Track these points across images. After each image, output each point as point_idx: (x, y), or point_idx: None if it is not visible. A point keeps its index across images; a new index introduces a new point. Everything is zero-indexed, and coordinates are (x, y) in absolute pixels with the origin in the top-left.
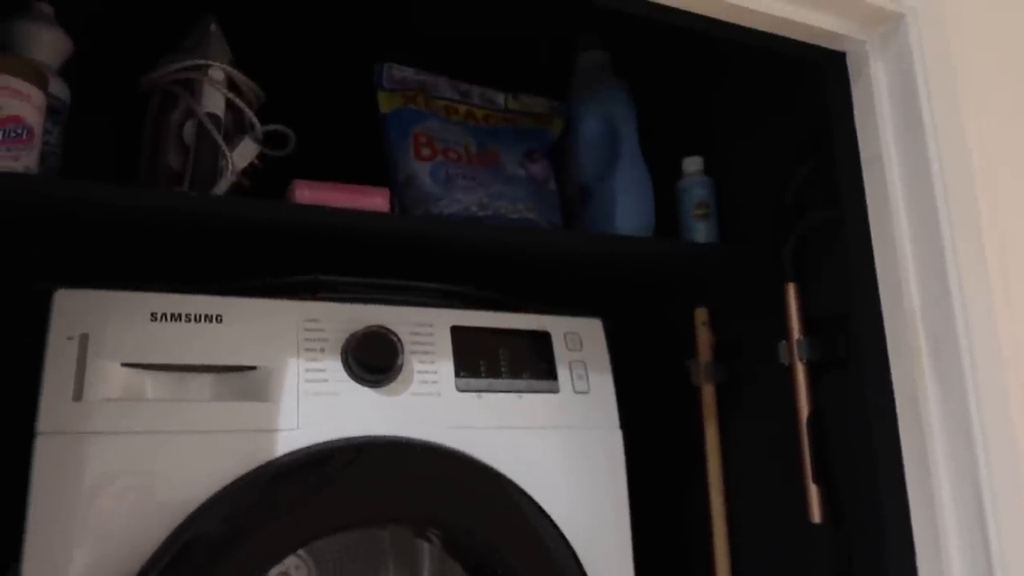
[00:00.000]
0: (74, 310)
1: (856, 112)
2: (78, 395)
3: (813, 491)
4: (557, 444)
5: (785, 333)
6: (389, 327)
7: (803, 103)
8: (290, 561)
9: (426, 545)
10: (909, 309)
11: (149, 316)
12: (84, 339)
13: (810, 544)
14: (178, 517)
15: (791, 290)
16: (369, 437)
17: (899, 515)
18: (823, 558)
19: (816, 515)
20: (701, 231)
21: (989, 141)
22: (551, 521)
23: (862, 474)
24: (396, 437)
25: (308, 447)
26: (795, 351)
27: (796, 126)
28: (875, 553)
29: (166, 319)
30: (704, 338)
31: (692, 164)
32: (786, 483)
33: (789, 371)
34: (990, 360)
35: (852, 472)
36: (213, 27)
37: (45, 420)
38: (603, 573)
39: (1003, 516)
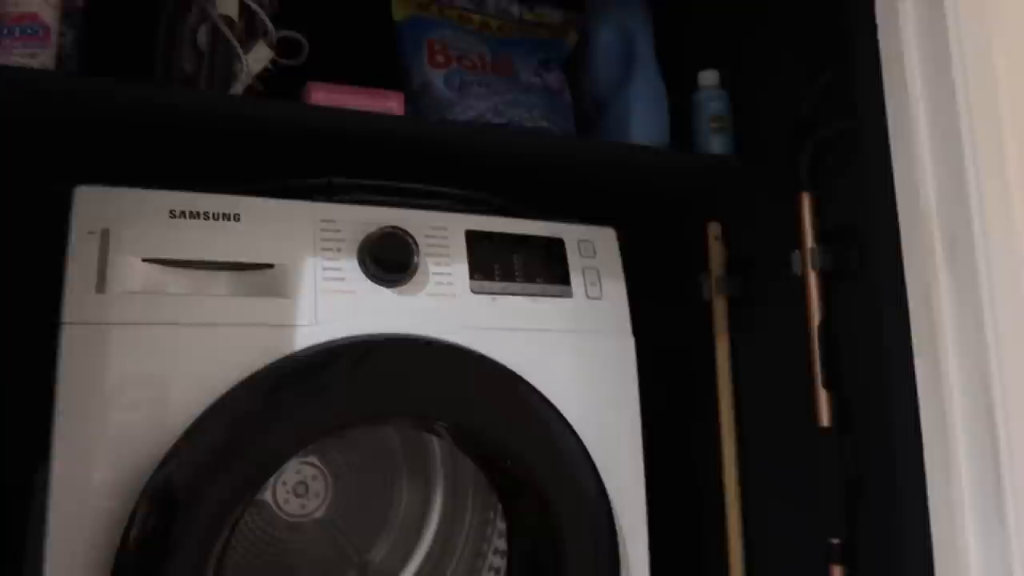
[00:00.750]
0: (94, 207)
1: (877, 9)
2: (101, 288)
3: (822, 396)
4: (569, 347)
5: (798, 243)
6: (405, 229)
7: (821, 16)
8: (307, 471)
9: (437, 451)
10: (925, 208)
11: (168, 213)
12: (105, 235)
13: (818, 448)
14: (200, 407)
15: (805, 199)
16: (385, 334)
17: (908, 416)
18: (830, 461)
19: (824, 419)
20: (716, 144)
21: (1014, 39)
22: (562, 417)
23: (871, 381)
24: (412, 335)
25: (323, 343)
26: (808, 260)
27: (813, 40)
28: (883, 456)
29: (185, 216)
30: (716, 252)
31: (708, 77)
32: (795, 391)
33: (801, 280)
34: (1006, 257)
35: (861, 379)
36: None
37: (70, 311)
38: (614, 472)
39: (1013, 413)
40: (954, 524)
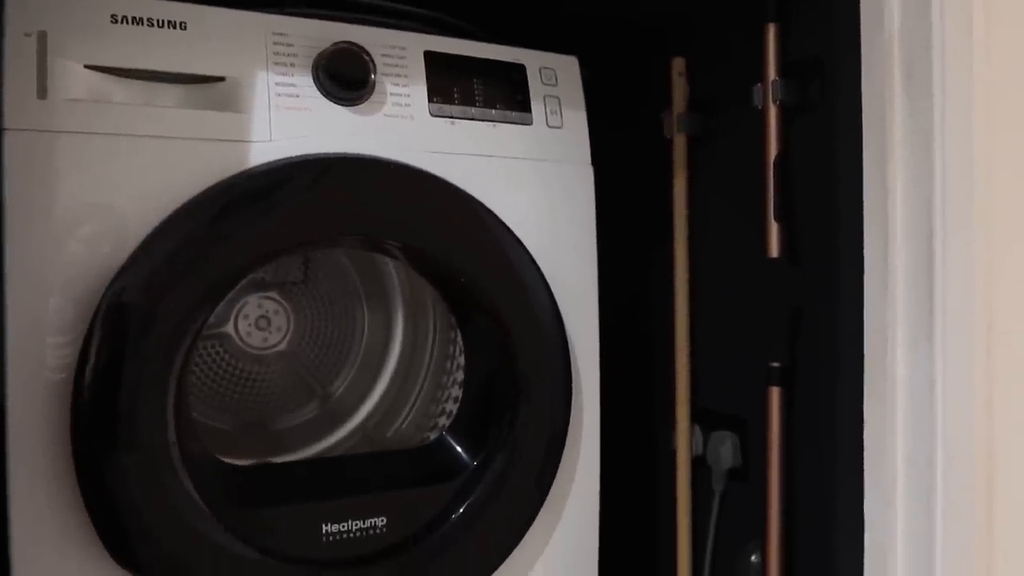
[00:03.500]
0: (29, 6)
1: None
2: (42, 93)
3: (773, 227)
4: (528, 175)
5: (761, 76)
6: (361, 45)
7: None
8: (268, 306)
9: (397, 284)
10: (888, 32)
11: (109, 18)
12: (43, 37)
13: (766, 278)
14: (152, 222)
15: (771, 31)
16: (342, 153)
17: (854, 243)
18: (777, 290)
19: (774, 250)
20: None
21: None
22: (520, 242)
23: (822, 214)
24: (370, 155)
25: (279, 159)
26: (769, 93)
27: None
28: (826, 285)
29: (127, 22)
30: (679, 88)
31: None
32: (748, 224)
33: (762, 114)
34: (961, 82)
35: (813, 212)
36: None
37: (11, 116)
38: (569, 300)
39: (951, 238)
40: (885, 341)
